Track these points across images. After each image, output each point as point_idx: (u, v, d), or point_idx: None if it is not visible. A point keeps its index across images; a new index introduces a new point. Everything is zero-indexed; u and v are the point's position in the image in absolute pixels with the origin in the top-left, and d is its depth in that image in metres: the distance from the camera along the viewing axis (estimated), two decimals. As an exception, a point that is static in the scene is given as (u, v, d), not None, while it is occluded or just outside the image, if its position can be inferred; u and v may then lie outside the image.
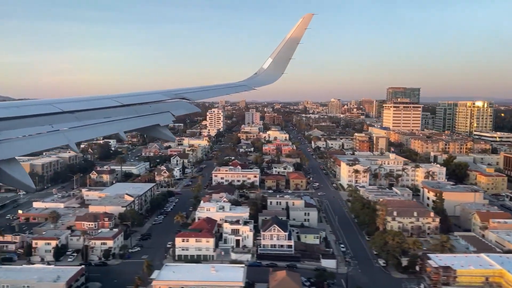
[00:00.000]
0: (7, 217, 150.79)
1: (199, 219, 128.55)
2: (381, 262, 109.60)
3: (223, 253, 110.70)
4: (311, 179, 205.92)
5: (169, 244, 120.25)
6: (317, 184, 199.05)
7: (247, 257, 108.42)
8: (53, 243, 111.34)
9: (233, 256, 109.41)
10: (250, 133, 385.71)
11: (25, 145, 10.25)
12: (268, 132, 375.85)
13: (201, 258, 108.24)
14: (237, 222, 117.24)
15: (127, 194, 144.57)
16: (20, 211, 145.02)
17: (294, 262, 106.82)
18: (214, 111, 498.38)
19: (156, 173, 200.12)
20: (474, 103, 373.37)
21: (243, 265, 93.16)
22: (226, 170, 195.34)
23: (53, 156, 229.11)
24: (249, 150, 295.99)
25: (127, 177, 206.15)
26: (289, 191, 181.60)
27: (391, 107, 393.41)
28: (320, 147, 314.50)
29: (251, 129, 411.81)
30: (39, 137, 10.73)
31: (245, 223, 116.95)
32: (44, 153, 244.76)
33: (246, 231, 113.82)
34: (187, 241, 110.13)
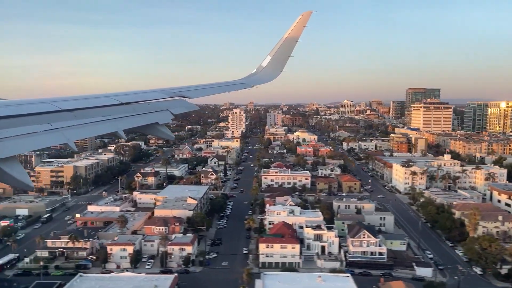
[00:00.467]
0: (66, 220, 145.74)
1: (271, 223, 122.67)
2: (477, 269, 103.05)
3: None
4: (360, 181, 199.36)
5: (245, 250, 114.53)
6: (369, 186, 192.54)
7: (335, 264, 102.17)
8: (129, 249, 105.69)
9: (319, 263, 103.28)
10: (277, 134, 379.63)
11: (24, 143, 10.09)
12: (296, 133, 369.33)
13: (286, 265, 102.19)
14: (319, 227, 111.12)
15: (190, 197, 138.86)
16: (77, 215, 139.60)
17: (388, 270, 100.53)
18: (236, 112, 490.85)
19: (202, 175, 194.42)
20: (508, 103, 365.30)
21: (348, 274, 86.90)
22: (276, 172, 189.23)
23: (92, 158, 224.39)
24: (282, 151, 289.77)
25: (170, 179, 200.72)
26: (344, 194, 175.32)
27: (420, 107, 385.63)
28: (355, 149, 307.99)
29: (276, 130, 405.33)
30: (38, 135, 10.57)
31: (329, 228, 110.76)
32: (83, 155, 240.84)
33: (331, 237, 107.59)
34: (272, 247, 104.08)
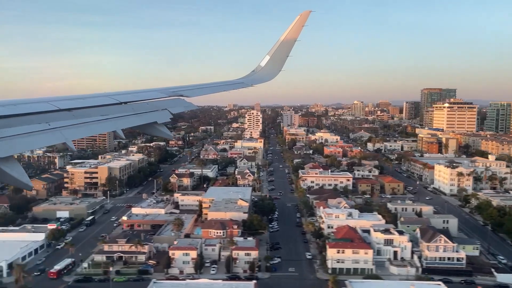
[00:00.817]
0: (112, 222, 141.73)
1: (330, 227, 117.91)
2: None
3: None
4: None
5: (309, 255, 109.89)
6: (411, 188, 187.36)
7: (411, 271, 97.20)
8: (193, 253, 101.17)
9: (394, 270, 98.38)
10: (298, 135, 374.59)
11: (23, 143, 10.08)
12: (318, 134, 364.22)
13: (358, 272, 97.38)
14: (388, 231, 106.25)
15: (241, 199, 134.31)
16: (124, 218, 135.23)
17: (468, 277, 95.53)
18: (253, 113, 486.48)
19: (239, 176, 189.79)
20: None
21: (439, 283, 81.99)
22: (316, 173, 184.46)
23: (123, 159, 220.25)
24: (308, 152, 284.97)
25: (204, 180, 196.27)
26: (388, 196, 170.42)
27: (444, 107, 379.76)
28: (381, 149, 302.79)
29: (296, 131, 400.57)
30: (36, 135, 10.56)
31: (400, 232, 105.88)
32: (107, 156, 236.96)
33: (404, 242, 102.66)
34: (343, 252, 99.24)
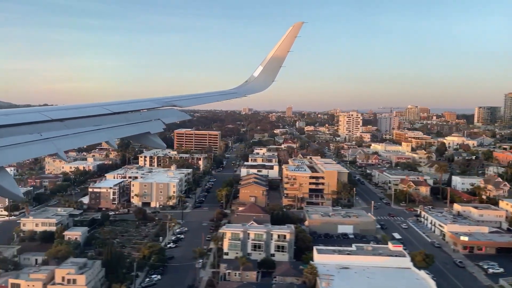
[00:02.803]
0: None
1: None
2: None
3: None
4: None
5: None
6: None
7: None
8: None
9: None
10: (424, 139, 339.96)
11: (14, 153, 9.98)
12: (449, 138, 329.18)
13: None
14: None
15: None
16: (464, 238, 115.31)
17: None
18: (352, 115, 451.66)
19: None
20: None
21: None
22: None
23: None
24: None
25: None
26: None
27: None
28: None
29: (415, 134, 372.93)
30: (28, 145, 10.49)
31: None
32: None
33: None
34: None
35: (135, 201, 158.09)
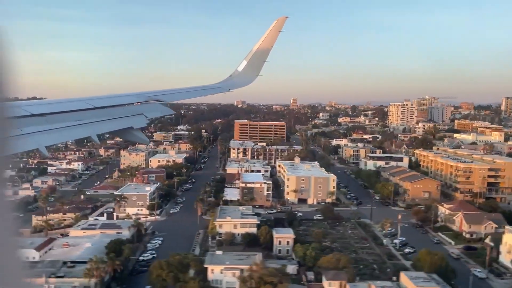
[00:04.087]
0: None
1: None
2: None
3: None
4: None
5: None
6: None
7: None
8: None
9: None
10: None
11: None
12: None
13: None
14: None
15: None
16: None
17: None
18: (407, 105, 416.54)
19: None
20: None
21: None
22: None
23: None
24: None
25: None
26: None
27: None
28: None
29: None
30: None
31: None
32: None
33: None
34: None
35: (291, 197, 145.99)
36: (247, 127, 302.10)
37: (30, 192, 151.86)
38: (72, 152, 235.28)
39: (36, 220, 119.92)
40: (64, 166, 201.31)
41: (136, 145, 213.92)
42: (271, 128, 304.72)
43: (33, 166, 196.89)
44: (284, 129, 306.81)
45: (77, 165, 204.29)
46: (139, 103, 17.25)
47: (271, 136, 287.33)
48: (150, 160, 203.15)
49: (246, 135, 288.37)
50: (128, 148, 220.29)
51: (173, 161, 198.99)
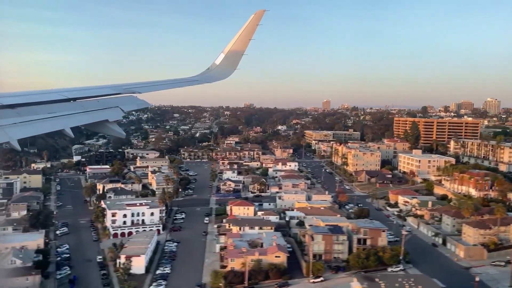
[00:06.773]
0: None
1: None
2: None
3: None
4: None
5: None
6: None
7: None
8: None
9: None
10: None
11: None
12: None
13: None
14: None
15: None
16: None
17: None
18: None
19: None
20: None
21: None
22: None
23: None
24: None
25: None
26: None
27: None
28: None
29: None
30: None
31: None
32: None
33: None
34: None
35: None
36: (432, 126, 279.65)
37: None
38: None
39: None
40: None
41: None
42: (462, 126, 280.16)
43: None
44: (477, 127, 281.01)
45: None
46: (114, 96, 16.82)
47: (461, 134, 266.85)
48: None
49: (432, 134, 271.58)
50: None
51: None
